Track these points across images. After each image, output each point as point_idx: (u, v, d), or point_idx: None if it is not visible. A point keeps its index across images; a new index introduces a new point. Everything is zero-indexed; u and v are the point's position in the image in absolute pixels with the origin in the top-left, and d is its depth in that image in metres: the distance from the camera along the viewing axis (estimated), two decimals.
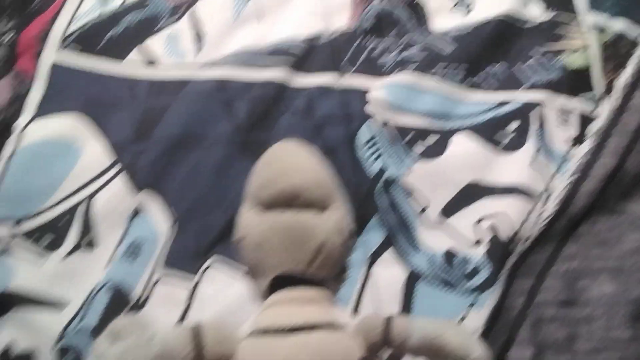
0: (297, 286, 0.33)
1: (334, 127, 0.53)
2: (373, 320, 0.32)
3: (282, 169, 0.36)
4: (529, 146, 0.52)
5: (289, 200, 0.34)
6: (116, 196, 0.50)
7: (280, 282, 0.34)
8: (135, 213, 0.50)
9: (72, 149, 0.52)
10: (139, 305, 0.46)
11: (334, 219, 0.35)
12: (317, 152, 0.38)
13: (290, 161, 0.36)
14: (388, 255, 0.48)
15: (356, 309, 0.46)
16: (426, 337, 0.30)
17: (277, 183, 0.35)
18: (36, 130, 0.52)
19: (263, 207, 0.35)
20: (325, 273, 0.35)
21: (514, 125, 0.53)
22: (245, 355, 0.30)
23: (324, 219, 0.35)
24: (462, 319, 0.45)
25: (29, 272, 0.47)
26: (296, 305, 0.33)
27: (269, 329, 0.31)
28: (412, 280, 0.47)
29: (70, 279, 0.47)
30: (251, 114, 0.54)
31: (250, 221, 0.36)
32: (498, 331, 0.45)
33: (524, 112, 0.54)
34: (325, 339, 0.30)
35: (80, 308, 0.46)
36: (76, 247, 0.48)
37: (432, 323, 0.31)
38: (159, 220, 0.50)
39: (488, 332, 0.45)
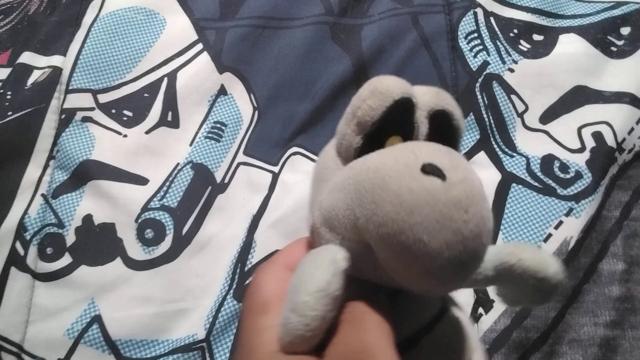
0: None
1: (433, 16, 0.49)
2: None
3: (448, 273, 0.19)
4: None
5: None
6: (199, 75, 0.48)
7: None
8: (219, 94, 0.48)
9: (158, 19, 0.49)
10: (222, 186, 0.45)
11: None
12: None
13: (480, 246, 0.19)
14: (482, 156, 0.46)
15: None
16: (503, 265, 0.24)
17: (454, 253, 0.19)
18: None
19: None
20: None
21: (627, 29, 0.49)
22: None
23: None
24: (558, 225, 0.43)
25: (110, 144, 0.46)
26: None
27: None
28: (507, 182, 0.44)
29: (152, 155, 0.46)
30: None
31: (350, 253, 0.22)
32: (592, 240, 0.43)
33: (639, 15, 0.49)
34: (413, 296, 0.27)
35: (163, 184, 0.45)
36: (158, 124, 0.47)
37: (503, 248, 0.25)
38: (242, 104, 0.48)
39: (582, 241, 0.43)
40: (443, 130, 0.24)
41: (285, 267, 0.25)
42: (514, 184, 0.44)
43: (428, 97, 0.24)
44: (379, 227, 0.19)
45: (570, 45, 0.48)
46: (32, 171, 0.45)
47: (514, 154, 0.45)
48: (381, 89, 0.23)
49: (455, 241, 0.18)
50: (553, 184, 0.44)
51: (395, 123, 0.23)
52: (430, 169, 0.19)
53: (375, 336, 0.21)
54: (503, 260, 0.24)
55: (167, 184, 0.45)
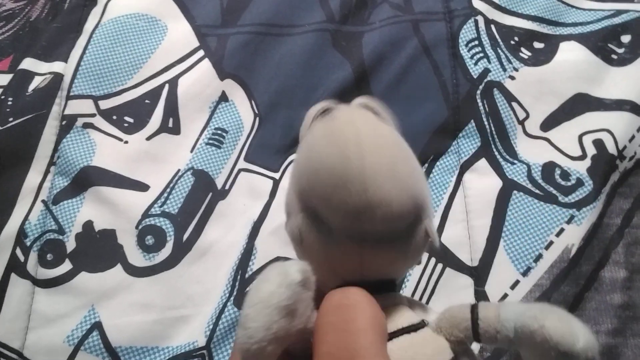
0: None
1: (434, 24, 0.49)
2: (457, 313, 0.26)
3: (366, 198, 0.22)
4: None
5: (370, 236, 0.23)
6: (201, 81, 0.48)
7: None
8: (220, 101, 0.48)
9: (159, 26, 0.50)
10: (223, 193, 0.45)
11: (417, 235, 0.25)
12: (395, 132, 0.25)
13: (378, 185, 0.22)
14: (483, 163, 0.46)
15: (445, 217, 0.44)
16: (524, 329, 0.23)
17: (359, 218, 0.22)
18: (123, 1, 0.49)
19: (326, 221, 0.24)
20: (400, 275, 0.29)
21: (627, 37, 0.49)
22: None
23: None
24: (560, 232, 0.43)
25: (111, 151, 0.46)
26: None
27: None
28: (508, 190, 0.44)
29: (153, 161, 0.46)
30: (345, 3, 0.50)
31: (309, 233, 0.24)
32: (594, 248, 0.43)
33: (639, 23, 0.49)
34: (418, 340, 0.26)
35: (163, 191, 0.45)
36: (159, 130, 0.47)
37: (528, 309, 0.24)
38: (243, 111, 0.48)
39: (584, 249, 0.43)
40: None
41: None
42: (515, 191, 0.44)
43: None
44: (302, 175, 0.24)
45: (571, 53, 0.48)
46: (33, 177, 0.45)
47: (515, 161, 0.45)
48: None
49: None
50: (554, 192, 0.44)
51: None
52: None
53: (368, 339, 0.20)
54: (524, 324, 0.23)
55: (168, 190, 0.45)
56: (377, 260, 0.25)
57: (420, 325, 0.25)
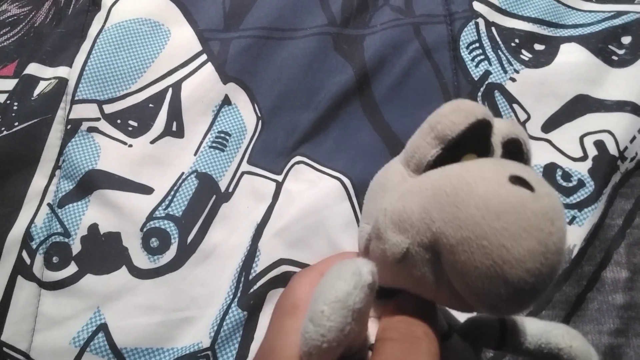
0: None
1: (435, 27, 0.50)
2: (485, 322, 0.26)
3: (526, 285, 0.18)
4: None
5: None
6: (204, 85, 0.48)
7: None
8: (223, 104, 0.48)
9: (163, 30, 0.50)
10: (226, 195, 0.46)
11: None
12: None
13: (553, 261, 0.19)
14: None
15: None
16: (550, 345, 0.24)
17: (506, 304, 0.19)
18: (127, 6, 0.50)
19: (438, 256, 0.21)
20: None
21: (628, 38, 0.49)
22: None
23: None
24: None
25: (115, 154, 0.46)
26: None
27: None
28: None
29: (157, 164, 0.46)
30: (346, 7, 0.51)
31: (412, 265, 0.22)
32: (595, 249, 0.43)
33: (639, 24, 0.50)
34: (452, 347, 0.25)
35: (168, 193, 0.45)
36: (163, 133, 0.47)
37: (554, 328, 0.25)
38: (246, 114, 0.48)
39: (586, 249, 0.43)
40: (514, 158, 0.24)
41: (319, 274, 0.25)
42: None
43: (504, 125, 0.24)
44: (459, 230, 0.19)
45: (571, 55, 0.49)
46: (39, 181, 0.45)
47: None
48: (464, 108, 0.22)
49: (538, 251, 0.18)
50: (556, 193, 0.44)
51: (469, 146, 0.23)
52: (517, 181, 0.19)
53: None
54: (552, 341, 0.24)
55: (172, 193, 0.45)
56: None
57: (450, 332, 0.26)
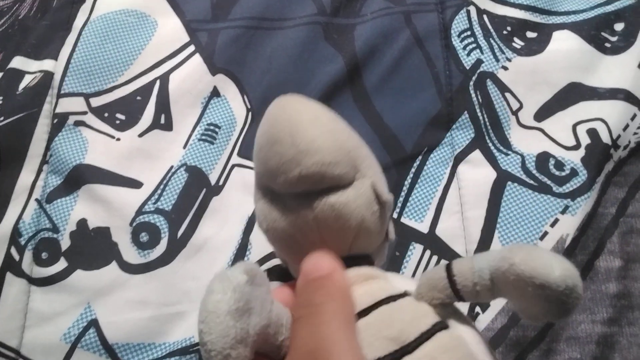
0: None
1: (426, 15, 0.49)
2: (433, 275, 0.25)
3: (295, 146, 0.25)
4: (636, 48, 0.48)
5: (310, 185, 0.25)
6: (192, 77, 0.48)
7: None
8: (212, 96, 0.48)
9: (149, 21, 0.49)
10: (217, 188, 0.45)
11: (365, 192, 0.26)
12: (322, 105, 0.28)
13: (303, 131, 0.25)
14: (477, 154, 0.45)
15: (439, 209, 0.44)
16: (497, 273, 0.22)
17: (293, 167, 0.25)
18: None
19: (279, 195, 0.27)
20: (369, 248, 0.28)
21: (620, 25, 0.49)
22: None
23: (353, 195, 0.26)
24: (554, 222, 0.43)
25: (103, 148, 0.45)
26: (357, 286, 0.26)
27: None
28: (502, 181, 0.44)
29: (145, 158, 0.46)
30: None
31: (269, 214, 0.28)
32: (589, 238, 0.43)
33: (632, 11, 0.49)
34: (396, 309, 0.24)
35: (157, 187, 0.45)
36: (152, 126, 0.46)
37: (497, 253, 0.23)
38: (235, 106, 0.48)
39: (579, 239, 0.43)
40: None
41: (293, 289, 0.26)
42: (509, 182, 0.44)
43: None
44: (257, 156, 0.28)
45: (564, 42, 0.48)
46: (26, 176, 0.45)
47: (509, 152, 0.45)
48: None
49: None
50: (548, 182, 0.44)
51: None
52: None
53: (332, 329, 0.21)
54: (496, 266, 0.22)
55: (162, 187, 0.45)
56: (334, 228, 0.26)
57: (401, 295, 0.25)
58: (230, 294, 0.20)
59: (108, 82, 0.47)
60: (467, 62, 0.48)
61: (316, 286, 0.23)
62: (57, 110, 0.46)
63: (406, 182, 0.45)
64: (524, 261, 0.21)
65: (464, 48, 0.48)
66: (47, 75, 0.47)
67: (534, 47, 0.48)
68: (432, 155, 0.46)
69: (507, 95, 0.47)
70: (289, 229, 0.27)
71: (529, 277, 0.21)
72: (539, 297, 0.21)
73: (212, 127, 0.47)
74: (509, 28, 0.49)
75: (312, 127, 0.25)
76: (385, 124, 0.46)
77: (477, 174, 0.45)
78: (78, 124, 0.46)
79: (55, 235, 0.43)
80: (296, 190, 0.26)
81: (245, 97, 0.48)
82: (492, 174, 0.45)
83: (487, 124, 0.46)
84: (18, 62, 0.48)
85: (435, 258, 0.43)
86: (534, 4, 0.50)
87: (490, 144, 0.46)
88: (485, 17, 0.49)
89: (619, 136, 0.45)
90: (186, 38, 0.49)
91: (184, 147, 0.46)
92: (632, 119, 0.46)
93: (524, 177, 0.44)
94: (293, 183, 0.25)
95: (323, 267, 0.24)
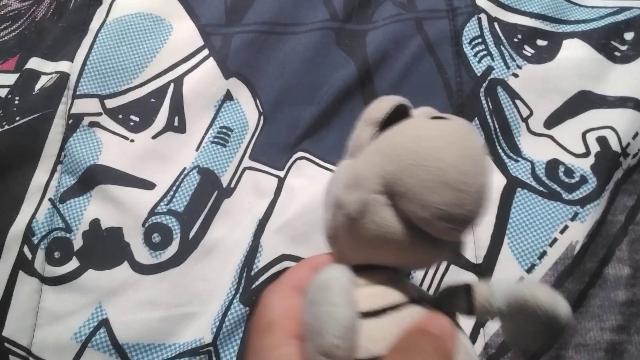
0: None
1: (438, 22, 0.49)
2: (454, 290, 0.27)
3: (477, 189, 0.22)
4: None
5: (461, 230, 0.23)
6: (205, 80, 0.48)
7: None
8: (225, 100, 0.48)
9: (164, 25, 0.50)
10: (228, 191, 0.45)
11: None
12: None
13: (487, 176, 0.22)
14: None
15: None
16: (517, 300, 0.25)
17: (461, 207, 0.22)
18: (128, 0, 0.50)
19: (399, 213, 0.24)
20: None
21: (630, 34, 0.49)
22: None
23: None
24: (564, 229, 0.43)
25: (117, 149, 0.46)
26: (383, 286, 0.26)
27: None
28: (512, 187, 0.45)
29: (159, 160, 0.46)
30: (348, 2, 0.50)
31: (368, 219, 0.24)
32: (598, 245, 0.43)
33: None
34: (418, 314, 0.25)
35: (169, 189, 0.45)
36: (165, 129, 0.47)
37: (518, 284, 0.25)
38: (248, 109, 0.48)
39: (588, 246, 0.43)
40: None
41: (290, 288, 0.26)
42: (519, 189, 0.44)
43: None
44: (400, 162, 0.22)
45: (574, 51, 0.49)
46: (40, 176, 0.45)
47: (519, 159, 0.46)
48: (387, 98, 0.27)
49: (467, 155, 0.22)
50: (558, 189, 0.44)
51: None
52: (436, 119, 0.24)
53: None
54: (518, 295, 0.25)
55: (174, 188, 0.45)
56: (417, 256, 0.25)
57: (412, 302, 0.26)
58: (354, 303, 0.22)
59: (123, 84, 0.48)
60: (478, 68, 0.48)
61: (428, 339, 0.23)
62: (72, 111, 0.47)
63: None
64: (544, 295, 0.24)
65: (475, 55, 0.49)
66: (63, 77, 0.48)
67: (545, 55, 0.49)
68: None
69: (518, 102, 0.47)
70: (377, 242, 0.24)
71: (546, 308, 0.24)
72: (543, 325, 0.24)
73: (224, 130, 0.47)
74: (519, 36, 0.49)
75: (482, 156, 0.23)
76: None
77: None
78: (93, 125, 0.46)
79: (67, 235, 0.43)
80: (447, 229, 0.22)
81: (257, 101, 0.48)
82: (502, 181, 0.45)
83: (497, 130, 0.46)
84: (34, 63, 0.48)
85: (444, 264, 0.43)
86: (544, 13, 0.50)
87: (500, 151, 0.46)
88: (496, 24, 0.50)
89: (628, 144, 0.45)
90: (200, 42, 0.50)
91: (197, 149, 0.47)
92: None
93: (533, 183, 0.44)
94: (457, 222, 0.22)
95: (445, 327, 0.24)
